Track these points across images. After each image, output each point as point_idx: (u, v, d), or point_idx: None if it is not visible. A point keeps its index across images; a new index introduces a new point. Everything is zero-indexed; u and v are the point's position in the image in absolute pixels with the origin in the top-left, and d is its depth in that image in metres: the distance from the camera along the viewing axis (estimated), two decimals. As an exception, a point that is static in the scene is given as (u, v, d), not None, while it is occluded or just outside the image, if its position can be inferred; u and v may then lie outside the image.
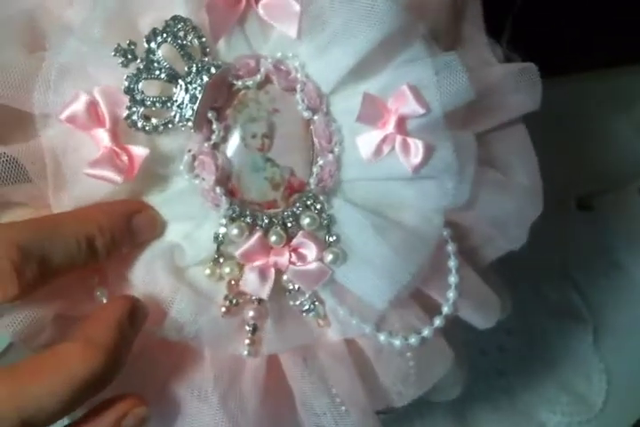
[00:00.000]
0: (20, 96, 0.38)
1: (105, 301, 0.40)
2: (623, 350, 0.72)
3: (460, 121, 0.44)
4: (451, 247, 0.45)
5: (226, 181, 0.41)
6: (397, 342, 0.44)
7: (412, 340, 0.45)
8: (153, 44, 0.38)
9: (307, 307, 0.43)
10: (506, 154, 0.47)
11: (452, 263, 0.45)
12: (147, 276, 0.40)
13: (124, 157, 0.38)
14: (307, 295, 0.43)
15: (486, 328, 0.49)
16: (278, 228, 0.42)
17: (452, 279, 0.45)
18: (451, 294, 0.45)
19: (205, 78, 0.39)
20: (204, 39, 0.39)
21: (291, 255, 0.42)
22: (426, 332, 0.45)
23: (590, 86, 0.79)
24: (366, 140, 0.42)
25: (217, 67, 0.39)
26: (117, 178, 0.38)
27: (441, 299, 0.45)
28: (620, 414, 0.69)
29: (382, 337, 0.44)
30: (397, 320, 0.45)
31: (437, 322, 0.45)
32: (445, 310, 0.45)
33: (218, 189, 0.40)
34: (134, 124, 0.38)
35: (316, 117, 0.41)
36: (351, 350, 0.45)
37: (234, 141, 0.41)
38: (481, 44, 0.46)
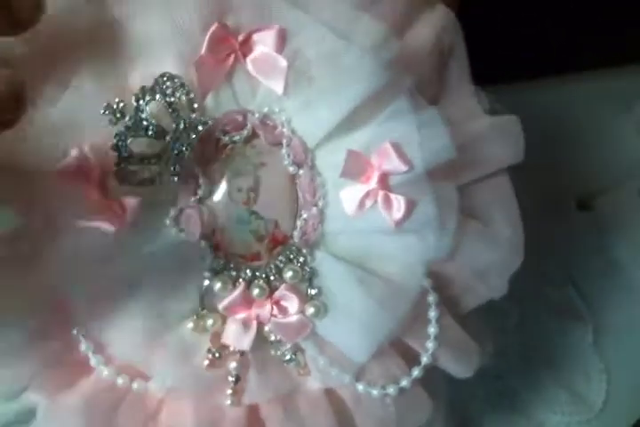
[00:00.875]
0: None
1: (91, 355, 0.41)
2: (623, 350, 0.71)
3: (442, 173, 0.44)
4: (432, 298, 0.46)
5: (211, 234, 0.42)
6: (375, 392, 0.45)
7: (391, 390, 0.45)
8: (142, 102, 0.38)
9: (288, 357, 0.44)
10: (488, 205, 0.47)
11: (432, 314, 0.46)
12: (127, 335, 0.40)
13: (115, 209, 0.39)
14: (288, 346, 0.44)
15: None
16: (261, 281, 0.42)
17: (432, 330, 0.46)
18: (430, 345, 0.46)
19: (192, 136, 0.39)
20: (192, 95, 0.39)
21: (272, 308, 0.42)
22: (404, 382, 0.45)
23: (590, 86, 0.79)
24: (350, 195, 0.42)
25: (204, 124, 0.39)
26: (108, 228, 0.39)
27: (420, 349, 0.46)
28: (620, 414, 0.69)
29: (361, 387, 0.45)
30: (376, 369, 0.45)
31: (416, 373, 0.46)
32: (424, 360, 0.46)
33: (203, 243, 0.41)
34: (122, 179, 0.39)
35: (301, 172, 0.42)
36: (331, 398, 0.45)
37: (219, 196, 0.41)
38: (466, 94, 0.47)
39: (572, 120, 0.76)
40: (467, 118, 0.46)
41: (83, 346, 0.41)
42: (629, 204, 0.78)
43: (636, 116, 0.80)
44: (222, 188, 0.41)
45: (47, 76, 0.39)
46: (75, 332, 0.41)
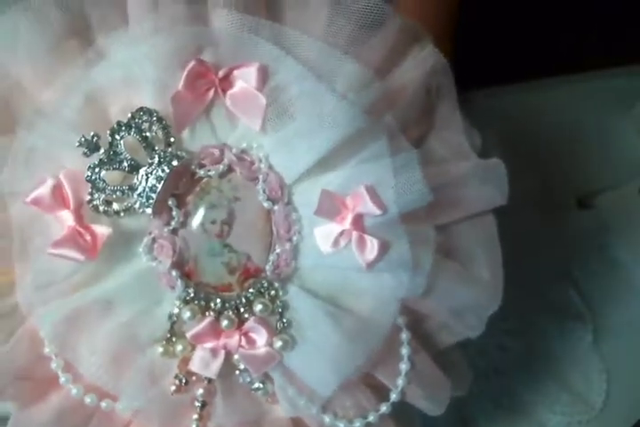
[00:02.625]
0: None
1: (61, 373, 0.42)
2: (623, 350, 0.71)
3: (421, 214, 0.44)
4: (405, 335, 0.46)
5: (183, 263, 0.42)
6: (342, 425, 0.45)
7: (357, 424, 0.46)
8: (117, 137, 0.39)
9: (256, 385, 0.44)
10: (470, 246, 0.47)
11: (404, 351, 0.46)
12: (96, 356, 0.42)
13: (87, 237, 0.40)
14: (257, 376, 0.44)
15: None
16: (230, 312, 0.43)
17: (403, 366, 0.46)
18: (400, 382, 0.46)
19: (166, 170, 0.40)
20: (168, 130, 0.40)
21: (241, 339, 0.43)
22: (371, 417, 0.46)
23: (590, 86, 0.79)
24: (324, 233, 0.42)
25: (179, 158, 0.40)
26: (80, 257, 0.40)
27: (391, 385, 0.46)
28: (619, 414, 0.69)
29: (327, 419, 0.45)
30: (345, 402, 0.45)
31: (384, 408, 0.46)
32: (393, 396, 0.46)
33: (174, 272, 0.42)
34: (96, 208, 0.40)
35: (276, 207, 0.42)
36: (297, 427, 0.46)
37: (193, 227, 0.42)
38: (455, 133, 0.46)
39: (573, 120, 0.76)
40: (453, 157, 0.46)
41: (53, 364, 0.42)
42: (629, 203, 0.78)
43: (636, 116, 0.80)
44: (198, 218, 0.42)
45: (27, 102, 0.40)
46: (47, 350, 0.43)
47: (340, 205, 0.42)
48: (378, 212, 0.41)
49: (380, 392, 0.46)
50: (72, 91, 0.40)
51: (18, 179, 0.40)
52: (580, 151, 0.76)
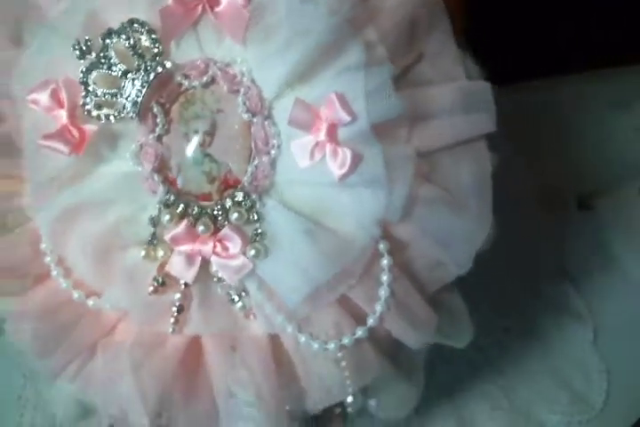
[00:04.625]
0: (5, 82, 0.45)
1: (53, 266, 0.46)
2: (623, 349, 0.71)
3: (402, 134, 0.45)
4: (386, 261, 0.46)
5: (165, 170, 0.45)
6: (316, 346, 0.46)
7: (332, 345, 0.46)
8: (108, 41, 0.43)
9: (233, 297, 0.46)
10: (457, 174, 0.46)
11: (384, 277, 0.46)
12: (82, 250, 0.45)
13: (76, 133, 0.44)
14: (233, 286, 0.46)
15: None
16: (207, 218, 0.45)
17: (382, 293, 0.46)
18: (378, 307, 0.46)
19: (152, 76, 0.43)
20: (157, 40, 0.43)
21: (215, 245, 0.45)
22: (346, 340, 0.46)
23: (590, 86, 0.80)
24: (300, 146, 0.44)
25: (163, 66, 0.43)
26: (66, 150, 0.44)
27: (368, 310, 0.46)
28: (619, 413, 0.69)
29: (302, 338, 0.46)
30: (323, 324, 0.46)
31: (359, 333, 0.46)
32: (370, 322, 0.46)
33: (155, 177, 0.45)
34: (88, 111, 0.44)
35: (255, 120, 0.44)
36: (274, 345, 0.47)
37: (175, 135, 0.45)
38: (448, 58, 0.47)
39: (572, 120, 0.77)
40: (442, 81, 0.46)
41: (47, 258, 0.46)
42: (629, 203, 0.79)
43: (636, 116, 0.81)
44: (179, 128, 0.45)
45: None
46: (43, 246, 0.46)
47: (314, 116, 0.43)
48: (347, 118, 0.42)
49: (360, 319, 0.47)
50: (76, 7, 0.44)
51: (23, 83, 0.45)
52: (580, 151, 0.77)
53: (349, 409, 0.48)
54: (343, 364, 0.46)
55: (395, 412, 0.54)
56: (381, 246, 0.46)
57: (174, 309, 0.46)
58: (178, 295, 0.46)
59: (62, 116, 0.44)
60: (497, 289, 0.68)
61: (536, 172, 0.72)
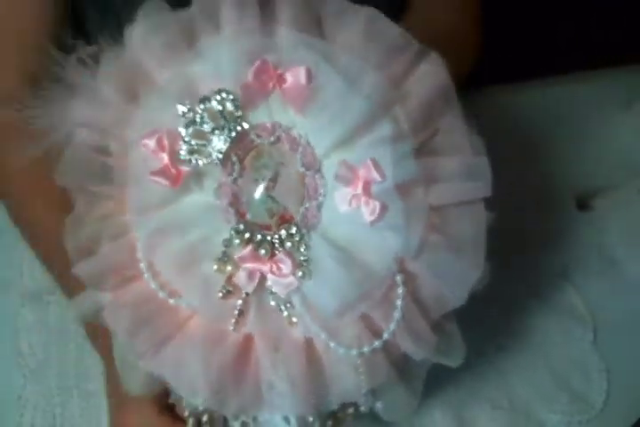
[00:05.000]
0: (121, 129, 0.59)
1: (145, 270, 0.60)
2: (623, 350, 0.71)
3: (419, 193, 0.57)
4: (400, 290, 0.58)
5: (238, 205, 0.58)
6: (342, 351, 0.58)
7: (353, 352, 0.58)
8: (202, 106, 0.56)
9: (281, 307, 0.59)
10: (458, 225, 0.59)
11: (398, 302, 0.58)
12: (170, 258, 0.58)
13: (174, 171, 0.57)
14: (282, 299, 0.59)
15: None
16: (267, 244, 0.58)
17: (396, 314, 0.58)
18: (392, 325, 0.58)
19: (233, 133, 0.56)
20: (238, 106, 0.56)
21: (272, 266, 0.57)
22: (365, 349, 0.58)
23: (590, 86, 0.81)
24: (341, 196, 0.56)
25: (242, 126, 0.56)
26: (166, 183, 0.57)
27: (384, 327, 0.58)
28: (619, 413, 0.69)
29: (332, 344, 0.58)
30: (348, 335, 0.58)
31: (376, 344, 0.58)
32: (385, 336, 0.58)
33: (230, 210, 0.58)
34: (184, 156, 0.57)
35: (308, 173, 0.57)
36: (308, 347, 0.59)
37: (247, 179, 0.58)
38: (457, 134, 0.60)
39: (572, 120, 0.79)
40: (451, 153, 0.58)
41: (141, 264, 0.60)
42: (629, 203, 0.80)
43: (636, 116, 0.82)
44: (251, 175, 0.58)
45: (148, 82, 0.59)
46: (139, 254, 0.60)
47: (354, 175, 0.55)
48: (380, 179, 0.55)
49: (377, 333, 0.59)
50: (178, 76, 0.58)
51: (139, 132, 0.59)
52: (580, 151, 0.79)
53: (362, 408, 0.61)
54: (360, 369, 0.59)
55: (396, 414, 0.66)
56: (398, 278, 0.58)
57: (236, 312, 0.58)
58: (240, 302, 0.58)
59: (164, 158, 0.57)
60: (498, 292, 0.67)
61: (536, 172, 0.75)
